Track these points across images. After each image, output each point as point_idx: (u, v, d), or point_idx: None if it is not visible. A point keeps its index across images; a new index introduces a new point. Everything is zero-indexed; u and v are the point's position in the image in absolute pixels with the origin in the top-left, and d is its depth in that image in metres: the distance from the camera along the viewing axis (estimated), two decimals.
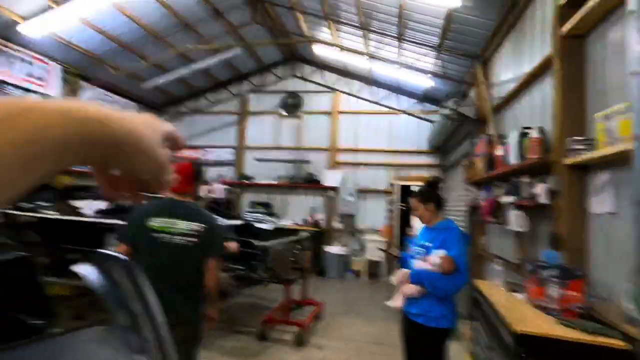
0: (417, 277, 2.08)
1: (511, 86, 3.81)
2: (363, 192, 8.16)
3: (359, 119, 8.40)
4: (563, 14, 2.57)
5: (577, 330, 1.74)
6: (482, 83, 4.95)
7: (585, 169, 2.37)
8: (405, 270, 2.20)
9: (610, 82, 2.18)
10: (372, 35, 6.22)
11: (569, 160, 2.38)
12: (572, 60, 2.56)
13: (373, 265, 7.60)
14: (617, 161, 1.95)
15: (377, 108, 7.99)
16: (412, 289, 2.10)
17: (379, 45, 6.47)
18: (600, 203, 2.19)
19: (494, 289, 2.68)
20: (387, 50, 6.45)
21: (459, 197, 5.54)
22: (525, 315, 2.01)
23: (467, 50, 5.12)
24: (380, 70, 7.31)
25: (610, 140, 2.01)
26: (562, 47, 2.60)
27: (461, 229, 2.30)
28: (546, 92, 2.92)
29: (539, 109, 3.10)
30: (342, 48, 7.01)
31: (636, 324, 1.61)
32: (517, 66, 3.72)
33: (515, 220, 3.22)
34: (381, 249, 6.49)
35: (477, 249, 4.71)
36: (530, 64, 3.26)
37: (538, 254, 2.72)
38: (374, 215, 8.09)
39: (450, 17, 4.63)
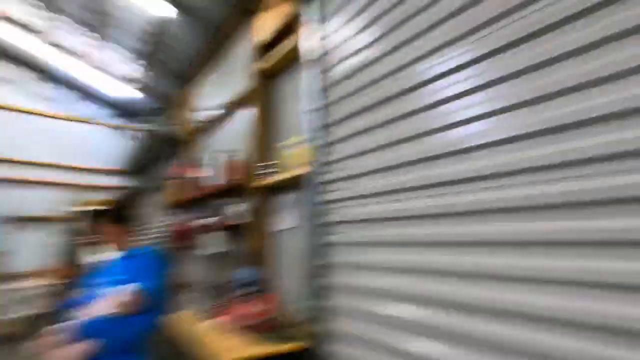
0: (86, 329, 1.48)
1: (215, 112, 3.96)
2: (23, 221, 5.88)
3: (20, 121, 6.10)
4: (259, 54, 2.93)
5: (273, 343, 1.81)
6: (186, 104, 4.91)
7: (274, 191, 2.70)
8: (64, 325, 1.52)
9: (291, 117, 2.63)
10: (55, 16, 4.79)
11: (260, 183, 2.65)
12: (265, 96, 2.94)
13: (30, 322, 5.47)
14: (296, 184, 2.32)
15: (53, 111, 6.15)
16: (73, 350, 1.45)
17: (65, 34, 5.08)
18: (284, 220, 2.54)
19: (192, 320, 2.46)
20: (79, 42, 5.17)
21: (157, 221, 5.10)
22: (228, 341, 1.90)
23: (175, 68, 4.96)
24: (64, 65, 5.76)
25: (291, 166, 2.39)
26: (258, 84, 2.95)
27: (159, 255, 1.93)
28: (245, 121, 3.19)
29: (239, 136, 3.35)
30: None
31: (308, 321, 1.86)
32: (222, 93, 3.92)
33: (213, 242, 3.24)
34: (45, 296, 4.79)
35: (175, 277, 4.41)
36: (233, 93, 3.51)
37: (237, 274, 2.80)
38: (39, 251, 5.98)
39: (162, 29, 4.32)
